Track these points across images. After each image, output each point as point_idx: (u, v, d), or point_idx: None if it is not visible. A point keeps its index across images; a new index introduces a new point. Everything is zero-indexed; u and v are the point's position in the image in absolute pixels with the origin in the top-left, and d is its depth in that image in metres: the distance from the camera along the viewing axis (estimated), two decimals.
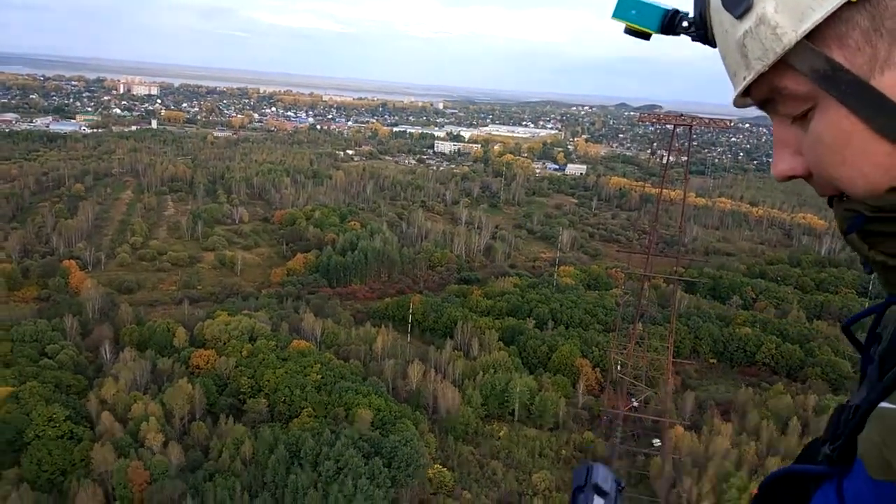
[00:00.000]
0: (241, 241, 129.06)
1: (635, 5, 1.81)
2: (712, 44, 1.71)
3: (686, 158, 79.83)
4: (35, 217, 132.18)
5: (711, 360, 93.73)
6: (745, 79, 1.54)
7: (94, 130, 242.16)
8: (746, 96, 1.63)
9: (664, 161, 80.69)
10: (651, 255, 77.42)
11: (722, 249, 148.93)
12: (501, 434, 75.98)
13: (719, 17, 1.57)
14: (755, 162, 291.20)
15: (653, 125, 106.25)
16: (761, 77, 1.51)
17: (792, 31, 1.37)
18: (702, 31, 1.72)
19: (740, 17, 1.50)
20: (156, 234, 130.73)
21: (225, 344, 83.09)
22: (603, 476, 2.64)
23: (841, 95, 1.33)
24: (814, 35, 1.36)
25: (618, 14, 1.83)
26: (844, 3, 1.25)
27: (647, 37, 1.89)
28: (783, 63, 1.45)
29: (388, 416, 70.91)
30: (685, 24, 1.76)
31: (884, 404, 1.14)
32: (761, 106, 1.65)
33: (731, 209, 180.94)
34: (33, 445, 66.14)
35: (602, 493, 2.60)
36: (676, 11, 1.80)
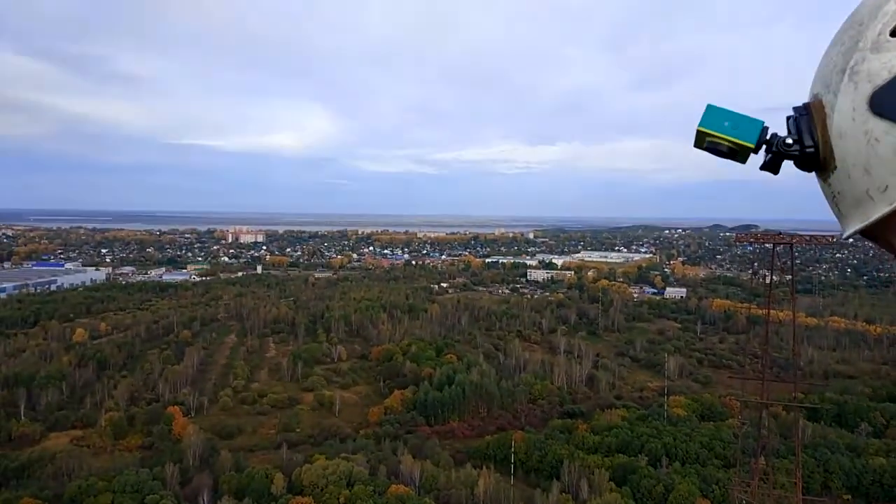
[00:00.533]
0: (340, 380, 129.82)
1: (729, 117, 1.61)
2: (812, 166, 1.54)
3: (791, 277, 75.58)
4: (144, 364, 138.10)
5: (846, 497, 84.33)
6: None
7: (203, 278, 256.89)
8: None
9: (767, 281, 76.54)
10: (766, 381, 71.80)
11: (842, 372, 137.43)
12: None
13: (863, 126, 1.39)
14: (865, 277, 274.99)
15: (751, 245, 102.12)
16: None
17: None
18: (811, 149, 1.52)
19: None
20: (257, 376, 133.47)
21: (322, 490, 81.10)
22: None
23: None
24: None
25: (707, 124, 1.63)
26: None
27: (734, 155, 1.66)
28: None
29: None
30: (788, 141, 1.56)
31: None
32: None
33: (846, 328, 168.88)
34: None
35: None
36: (767, 128, 1.63)
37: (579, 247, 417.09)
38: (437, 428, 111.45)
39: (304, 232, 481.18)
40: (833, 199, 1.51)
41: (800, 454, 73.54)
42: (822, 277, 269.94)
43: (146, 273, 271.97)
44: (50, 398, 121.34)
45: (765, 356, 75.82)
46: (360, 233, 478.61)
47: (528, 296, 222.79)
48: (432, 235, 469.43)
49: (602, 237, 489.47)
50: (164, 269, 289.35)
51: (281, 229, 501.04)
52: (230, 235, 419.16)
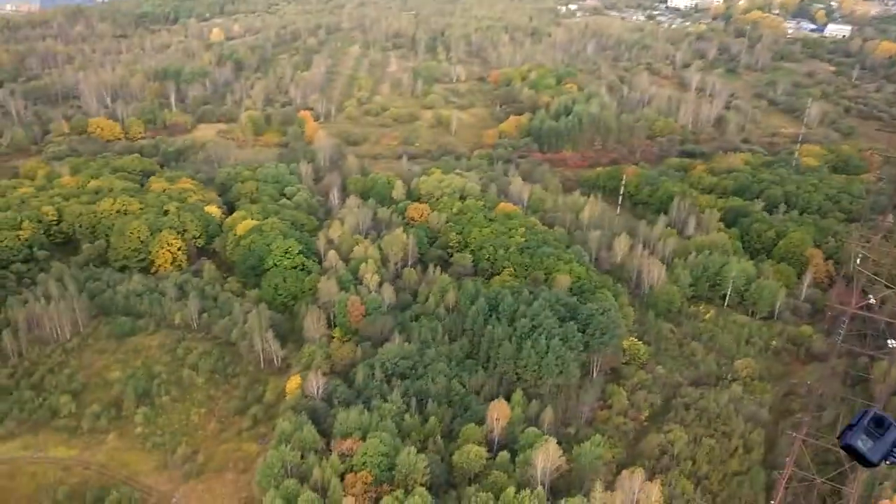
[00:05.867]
0: (457, 101, 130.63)
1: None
2: None
3: None
4: (276, 68, 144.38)
5: None
6: None
7: None
8: None
9: None
10: None
11: None
12: (707, 316, 72.69)
13: None
14: None
15: None
16: None
17: None
18: None
19: None
20: (379, 89, 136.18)
21: (437, 200, 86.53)
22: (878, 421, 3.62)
23: None
24: None
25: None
26: None
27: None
28: None
29: (587, 285, 70.45)
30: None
31: None
32: None
33: None
34: (271, 272, 77.01)
35: (871, 436, 3.48)
36: None
37: None
38: (550, 156, 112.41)
39: None
40: None
41: None
42: None
43: None
44: (196, 93, 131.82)
45: None
46: None
47: (666, 25, 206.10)
48: None
49: None
50: None
51: None
52: None
